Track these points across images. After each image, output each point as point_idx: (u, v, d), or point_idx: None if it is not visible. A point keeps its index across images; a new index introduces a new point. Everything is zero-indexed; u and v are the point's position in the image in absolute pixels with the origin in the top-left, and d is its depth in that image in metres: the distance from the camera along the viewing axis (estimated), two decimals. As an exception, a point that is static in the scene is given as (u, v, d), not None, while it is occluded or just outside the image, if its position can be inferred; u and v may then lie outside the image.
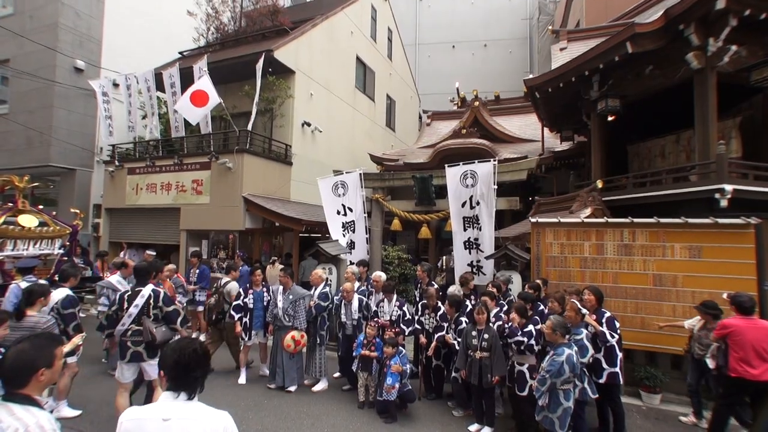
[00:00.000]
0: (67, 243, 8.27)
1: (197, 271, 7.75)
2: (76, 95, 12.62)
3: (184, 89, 10.39)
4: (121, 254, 10.07)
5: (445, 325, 5.24)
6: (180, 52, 13.88)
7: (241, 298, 5.90)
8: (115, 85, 11.94)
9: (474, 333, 4.53)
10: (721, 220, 5.45)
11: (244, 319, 5.86)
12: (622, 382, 4.46)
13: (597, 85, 7.32)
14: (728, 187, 5.81)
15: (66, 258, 7.93)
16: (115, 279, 5.96)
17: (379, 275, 6.25)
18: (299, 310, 5.54)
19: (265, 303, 6.01)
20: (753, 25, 5.93)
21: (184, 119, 10.36)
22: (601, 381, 4.29)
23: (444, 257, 8.81)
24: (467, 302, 5.39)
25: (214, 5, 14.29)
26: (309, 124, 12.12)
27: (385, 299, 5.74)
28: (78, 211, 9.13)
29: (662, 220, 5.64)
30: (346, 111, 14.75)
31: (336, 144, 13.86)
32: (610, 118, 7.67)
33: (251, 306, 5.90)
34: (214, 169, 10.13)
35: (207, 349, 1.84)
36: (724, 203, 5.86)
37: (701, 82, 6.29)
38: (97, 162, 13.11)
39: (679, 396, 5.50)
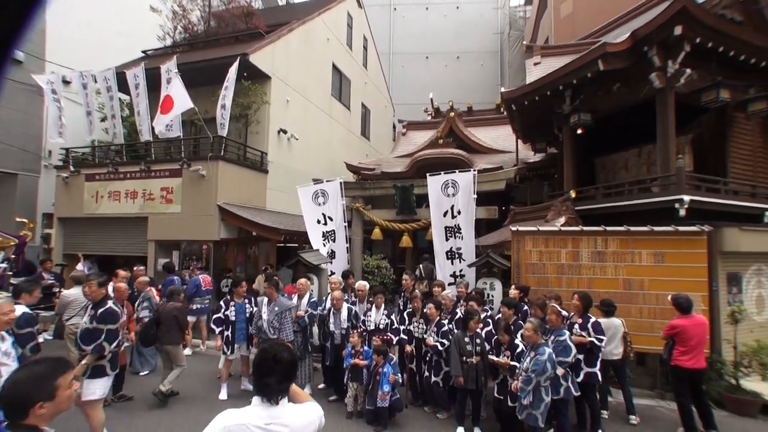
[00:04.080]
0: (13, 256, 7.61)
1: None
2: (15, 90, 11.22)
3: (150, 91, 10.02)
4: (78, 266, 9.46)
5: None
6: (143, 51, 13.21)
7: (222, 310, 5.74)
8: (66, 82, 11.08)
9: (467, 339, 4.65)
10: (680, 228, 5.94)
11: (226, 333, 5.70)
12: (601, 381, 4.76)
13: (569, 99, 7.78)
14: (686, 198, 6.33)
15: (11, 273, 7.30)
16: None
17: (364, 284, 6.29)
18: (285, 322, 5.46)
19: (247, 315, 5.89)
20: (703, 51, 6.62)
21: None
22: (579, 379, 4.55)
23: (421, 265, 8.93)
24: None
25: (182, 2, 13.58)
26: (285, 132, 11.96)
27: (373, 307, 5.76)
28: (26, 220, 8.44)
29: (632, 229, 6.05)
30: (323, 119, 14.69)
31: (312, 152, 13.74)
32: (579, 132, 8.14)
33: (233, 318, 5.76)
34: (185, 177, 9.76)
35: (290, 359, 1.81)
36: (682, 212, 6.37)
37: (662, 101, 6.85)
38: (45, 166, 12.07)
39: (642, 390, 5.99)
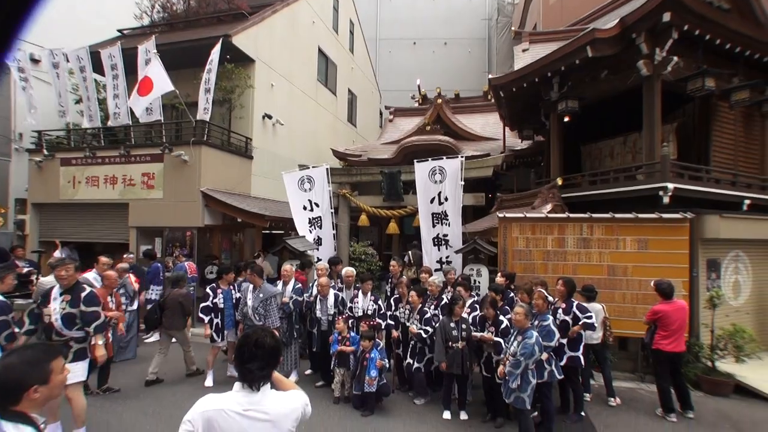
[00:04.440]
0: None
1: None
2: (-25, 69, 10.91)
3: (128, 72, 9.62)
4: (56, 253, 9.17)
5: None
6: (119, 30, 12.63)
7: (210, 299, 5.65)
8: (35, 60, 10.58)
9: (453, 325, 4.66)
10: (664, 215, 6.03)
11: (215, 320, 5.64)
12: (584, 365, 4.85)
13: (557, 86, 7.77)
14: (670, 185, 6.42)
15: None
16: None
17: (351, 271, 6.26)
18: (270, 308, 5.41)
19: (234, 301, 5.82)
20: (690, 39, 6.66)
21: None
22: (562, 363, 4.63)
23: (410, 252, 8.94)
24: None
25: (160, -21, 12.95)
26: (270, 117, 11.70)
27: (360, 293, 5.74)
28: (-4, 205, 8.07)
29: (617, 216, 6.12)
30: (309, 104, 14.41)
31: (298, 138, 13.50)
32: (566, 119, 8.16)
33: (221, 306, 5.69)
34: (167, 162, 9.48)
35: (273, 344, 1.76)
36: (666, 200, 6.46)
37: (649, 89, 6.88)
38: (17, 150, 11.54)
39: (623, 373, 6.16)
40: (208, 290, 5.70)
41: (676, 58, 6.68)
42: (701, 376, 5.69)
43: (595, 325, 4.80)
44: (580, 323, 4.67)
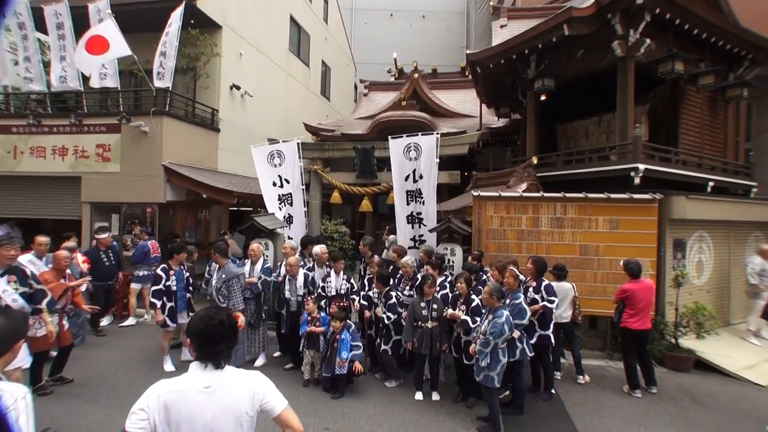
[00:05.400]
0: None
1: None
2: None
3: (77, 33, 8.73)
4: None
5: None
6: (67, -15, 11.53)
7: (162, 281, 5.21)
8: None
9: (423, 305, 4.56)
10: (635, 196, 6.08)
11: (169, 304, 5.22)
12: (554, 344, 4.88)
13: (534, 64, 7.65)
14: (641, 166, 6.48)
15: None
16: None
17: (324, 249, 6.04)
18: (233, 290, 5.17)
19: (185, 282, 5.49)
20: (661, 22, 6.71)
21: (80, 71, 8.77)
22: (533, 341, 4.64)
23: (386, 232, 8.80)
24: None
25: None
26: (238, 88, 11.06)
27: (332, 273, 5.54)
28: None
29: (590, 195, 6.12)
30: (279, 75, 13.74)
31: (268, 111, 12.90)
32: (542, 98, 8.08)
33: (174, 288, 5.30)
34: (125, 133, 8.82)
35: (234, 322, 1.79)
36: (637, 180, 6.54)
37: (623, 70, 6.87)
38: None
39: (593, 351, 6.25)
40: (159, 272, 5.25)
41: (648, 41, 6.73)
42: (665, 352, 5.88)
43: (555, 310, 4.80)
44: (540, 303, 4.68)
